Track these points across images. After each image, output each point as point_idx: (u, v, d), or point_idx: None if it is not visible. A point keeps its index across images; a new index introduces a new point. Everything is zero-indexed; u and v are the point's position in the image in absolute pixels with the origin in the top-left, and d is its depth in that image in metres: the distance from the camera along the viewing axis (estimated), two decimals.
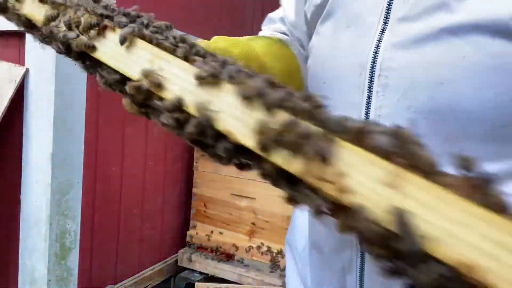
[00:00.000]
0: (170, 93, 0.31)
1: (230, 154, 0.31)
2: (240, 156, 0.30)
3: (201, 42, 0.47)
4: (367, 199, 0.22)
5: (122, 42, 0.36)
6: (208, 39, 0.57)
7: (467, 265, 0.19)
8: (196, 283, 1.49)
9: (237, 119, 0.28)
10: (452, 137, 0.41)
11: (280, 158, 0.25)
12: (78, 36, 0.39)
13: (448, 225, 0.20)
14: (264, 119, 0.26)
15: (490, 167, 0.31)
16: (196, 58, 0.32)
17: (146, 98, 0.33)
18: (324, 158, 0.23)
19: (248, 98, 0.27)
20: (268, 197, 1.64)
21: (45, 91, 1.18)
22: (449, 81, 0.40)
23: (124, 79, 0.36)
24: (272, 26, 0.63)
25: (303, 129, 0.24)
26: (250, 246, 1.68)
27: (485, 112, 0.39)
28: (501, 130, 0.40)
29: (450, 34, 0.40)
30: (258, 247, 1.66)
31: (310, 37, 0.54)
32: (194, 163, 1.80)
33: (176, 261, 1.81)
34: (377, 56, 0.43)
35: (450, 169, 0.21)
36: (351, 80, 0.44)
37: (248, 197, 1.69)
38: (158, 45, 0.34)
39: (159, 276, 1.76)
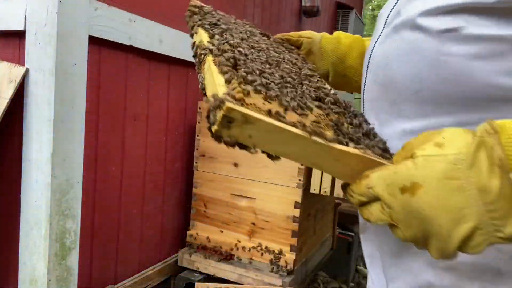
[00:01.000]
0: None
1: None
2: None
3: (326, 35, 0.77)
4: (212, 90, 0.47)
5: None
6: None
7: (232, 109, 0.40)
8: (196, 283, 1.49)
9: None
10: (394, 100, 0.60)
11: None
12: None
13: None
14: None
15: (421, 123, 0.55)
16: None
17: None
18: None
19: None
20: (268, 197, 1.64)
21: (45, 91, 1.18)
22: (391, 63, 0.59)
23: None
24: None
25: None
26: (250, 246, 1.68)
27: (409, 82, 0.57)
28: (420, 94, 0.56)
29: (394, 31, 0.59)
30: (258, 247, 1.66)
31: None
32: (194, 163, 1.80)
33: (176, 261, 1.81)
34: (373, 50, 0.65)
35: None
36: (365, 65, 0.68)
37: (248, 197, 1.69)
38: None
39: (159, 276, 1.76)
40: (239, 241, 1.71)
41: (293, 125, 0.42)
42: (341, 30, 4.11)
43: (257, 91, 0.46)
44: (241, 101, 0.42)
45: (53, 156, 1.19)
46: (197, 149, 1.79)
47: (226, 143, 0.44)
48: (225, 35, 0.63)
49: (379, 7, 14.89)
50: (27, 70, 1.20)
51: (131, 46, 1.46)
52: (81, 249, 1.36)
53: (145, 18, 1.50)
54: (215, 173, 1.75)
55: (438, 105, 0.55)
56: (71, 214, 1.28)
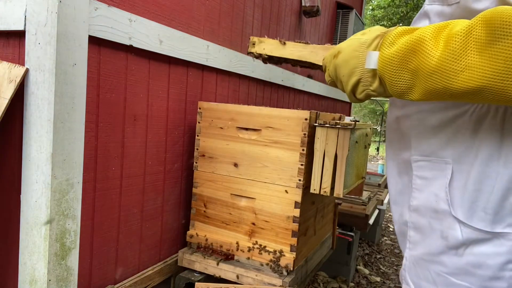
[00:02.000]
0: None
1: None
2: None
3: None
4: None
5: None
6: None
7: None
8: (196, 283, 1.49)
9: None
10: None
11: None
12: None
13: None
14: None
15: (409, 109, 0.87)
16: None
17: None
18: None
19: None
20: (268, 197, 1.64)
21: (45, 91, 1.18)
22: None
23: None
24: None
25: None
26: (250, 246, 1.68)
27: None
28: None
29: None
30: (258, 247, 1.66)
31: None
32: (194, 163, 1.80)
33: (176, 261, 1.81)
34: None
35: None
36: None
37: (248, 197, 1.69)
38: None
39: (159, 276, 1.76)
40: (239, 241, 1.71)
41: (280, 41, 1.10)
42: (341, 30, 4.11)
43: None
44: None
45: (53, 156, 1.19)
46: (197, 149, 1.79)
47: (254, 55, 1.16)
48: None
49: (379, 7, 14.89)
50: (27, 70, 1.20)
51: (131, 46, 1.46)
52: (81, 249, 1.36)
53: (145, 18, 1.51)
54: (215, 173, 1.75)
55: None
56: (71, 214, 1.28)
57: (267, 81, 2.62)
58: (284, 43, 1.08)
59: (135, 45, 1.47)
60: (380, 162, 9.52)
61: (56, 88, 1.18)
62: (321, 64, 0.96)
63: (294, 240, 1.61)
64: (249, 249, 1.68)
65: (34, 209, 1.23)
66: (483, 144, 0.71)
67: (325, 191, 1.52)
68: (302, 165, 1.57)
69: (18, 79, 1.19)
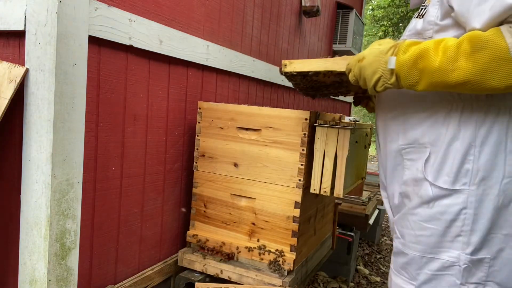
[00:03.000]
0: None
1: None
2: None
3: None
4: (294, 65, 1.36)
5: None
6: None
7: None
8: (196, 283, 1.49)
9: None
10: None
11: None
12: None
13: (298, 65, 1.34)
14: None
15: (398, 111, 1.18)
16: None
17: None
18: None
19: None
20: (268, 197, 1.64)
21: (45, 91, 1.18)
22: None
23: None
24: None
25: None
26: (250, 246, 1.68)
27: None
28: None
29: None
30: (258, 247, 1.66)
31: None
32: (194, 163, 1.80)
33: (176, 261, 1.81)
34: None
35: None
36: None
37: (248, 197, 1.69)
38: None
39: (159, 276, 1.76)
40: (239, 241, 1.71)
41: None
42: (341, 30, 4.11)
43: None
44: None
45: (53, 156, 1.19)
46: (197, 149, 1.79)
47: (287, 75, 1.38)
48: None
49: (379, 7, 14.89)
50: (27, 70, 1.20)
51: (131, 46, 1.46)
52: (81, 249, 1.36)
53: (145, 18, 1.51)
54: (215, 173, 1.75)
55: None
56: (71, 214, 1.28)
57: (267, 81, 2.63)
58: (309, 60, 1.33)
59: (135, 45, 1.47)
60: None
61: (56, 88, 1.18)
62: (343, 70, 1.21)
63: (294, 240, 1.61)
64: (249, 249, 1.68)
65: (34, 209, 1.23)
66: (448, 132, 1.05)
67: (325, 191, 1.52)
68: (302, 165, 1.57)
69: (18, 79, 1.19)
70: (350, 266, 2.77)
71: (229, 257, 1.72)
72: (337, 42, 4.14)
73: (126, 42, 1.43)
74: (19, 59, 1.26)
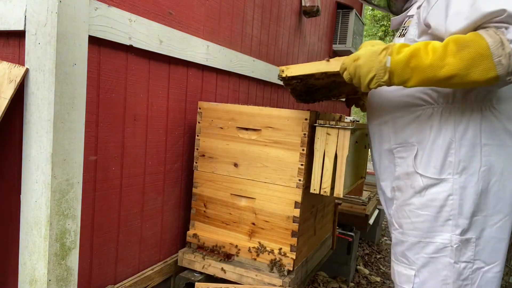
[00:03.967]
0: None
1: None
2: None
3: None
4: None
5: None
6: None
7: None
8: (196, 283, 1.49)
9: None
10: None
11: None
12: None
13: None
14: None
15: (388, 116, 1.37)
16: None
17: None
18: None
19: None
20: (268, 197, 1.64)
21: (45, 91, 1.18)
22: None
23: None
24: None
25: None
26: (250, 246, 1.68)
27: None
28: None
29: None
30: (258, 247, 1.66)
31: None
32: (194, 163, 1.80)
33: (176, 261, 1.81)
34: None
35: None
36: None
37: (248, 197, 1.69)
38: None
39: (159, 276, 1.76)
40: (239, 241, 1.71)
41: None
42: (341, 30, 4.12)
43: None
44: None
45: (53, 156, 1.19)
46: (197, 149, 1.79)
47: (285, 80, 1.48)
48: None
49: (379, 7, 14.88)
50: (27, 70, 1.20)
51: (131, 46, 1.46)
52: (81, 249, 1.36)
53: (145, 18, 1.51)
54: (215, 173, 1.75)
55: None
56: (71, 214, 1.28)
57: (267, 81, 2.63)
58: (304, 64, 1.41)
59: (135, 45, 1.47)
60: None
61: (56, 88, 1.18)
62: (337, 70, 1.30)
63: (294, 240, 1.61)
64: (249, 249, 1.68)
65: (34, 209, 1.23)
66: (432, 131, 1.22)
67: (325, 191, 1.52)
68: (302, 165, 1.57)
69: (18, 79, 1.19)
70: (350, 266, 2.77)
71: (229, 257, 1.72)
72: (337, 42, 4.14)
73: (126, 42, 1.43)
74: (19, 59, 1.26)
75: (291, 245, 1.62)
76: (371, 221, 2.88)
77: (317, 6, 3.05)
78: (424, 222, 1.24)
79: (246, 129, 1.68)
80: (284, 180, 1.61)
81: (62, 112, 1.20)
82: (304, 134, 1.55)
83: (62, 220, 1.25)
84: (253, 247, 1.67)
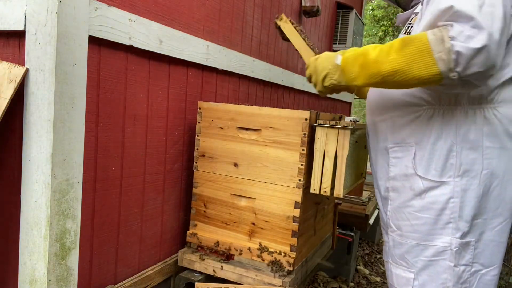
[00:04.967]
0: None
1: None
2: None
3: None
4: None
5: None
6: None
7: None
8: (196, 283, 1.49)
9: None
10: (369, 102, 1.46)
11: None
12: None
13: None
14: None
15: (381, 117, 1.37)
16: None
17: None
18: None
19: None
20: (268, 197, 1.64)
21: (45, 91, 1.18)
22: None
23: None
24: None
25: None
26: (250, 246, 1.68)
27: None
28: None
29: None
30: (258, 247, 1.66)
31: None
32: (194, 163, 1.80)
33: (176, 261, 1.81)
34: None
35: None
36: None
37: (248, 197, 1.69)
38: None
39: (159, 276, 1.76)
40: (239, 241, 1.71)
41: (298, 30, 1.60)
42: (341, 30, 4.11)
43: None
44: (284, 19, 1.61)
45: (53, 156, 1.19)
46: (197, 149, 1.79)
47: (276, 26, 1.66)
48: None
49: (379, 7, 14.89)
50: (27, 70, 1.20)
51: (131, 46, 1.46)
52: (81, 249, 1.36)
53: (145, 18, 1.51)
54: (215, 173, 1.75)
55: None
56: (71, 214, 1.28)
57: (267, 81, 2.62)
58: (297, 35, 1.58)
59: (135, 45, 1.47)
60: None
61: (56, 88, 1.18)
62: (306, 63, 1.41)
63: (294, 240, 1.61)
64: (249, 249, 1.68)
65: (34, 209, 1.23)
66: (433, 133, 1.20)
67: (325, 191, 1.52)
68: (302, 165, 1.57)
69: (18, 79, 1.19)
70: (350, 266, 2.77)
71: (229, 257, 1.72)
72: (337, 42, 4.14)
73: (126, 42, 1.43)
74: (19, 59, 1.26)
75: (291, 245, 1.62)
76: (371, 221, 2.88)
77: (317, 6, 3.05)
78: (424, 224, 1.22)
79: (246, 129, 1.68)
80: (284, 180, 1.61)
81: (62, 112, 1.20)
82: (304, 134, 1.55)
83: (62, 220, 1.25)
84: (253, 247, 1.67)
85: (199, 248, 1.79)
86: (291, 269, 1.61)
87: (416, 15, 1.35)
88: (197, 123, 1.78)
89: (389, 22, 14.63)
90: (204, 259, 1.72)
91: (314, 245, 1.93)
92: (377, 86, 1.21)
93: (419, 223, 1.23)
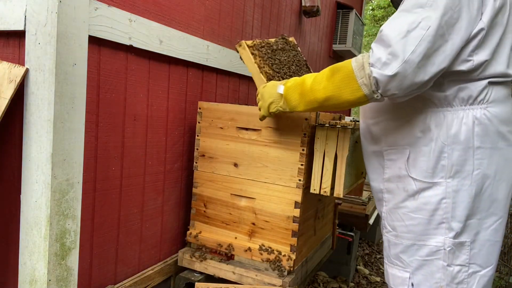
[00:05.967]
0: None
1: None
2: None
3: None
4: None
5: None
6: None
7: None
8: (196, 283, 1.49)
9: None
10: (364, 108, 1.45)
11: None
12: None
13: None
14: None
15: (374, 120, 1.39)
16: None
17: None
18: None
19: None
20: (268, 197, 1.64)
21: (45, 91, 1.18)
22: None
23: None
24: None
25: None
26: (250, 246, 1.68)
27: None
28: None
29: None
30: (258, 247, 1.66)
31: None
32: (194, 163, 1.80)
33: (176, 261, 1.81)
34: None
35: None
36: None
37: (248, 197, 1.69)
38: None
39: (159, 276, 1.76)
40: (239, 241, 1.71)
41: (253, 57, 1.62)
42: (341, 30, 4.11)
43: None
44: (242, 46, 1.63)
45: (53, 156, 1.19)
46: (197, 149, 1.79)
47: (241, 55, 1.65)
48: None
49: (379, 7, 14.89)
50: (27, 70, 1.20)
51: (131, 46, 1.46)
52: (81, 249, 1.36)
53: (145, 18, 1.51)
54: (215, 173, 1.75)
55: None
56: (71, 214, 1.28)
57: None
58: (252, 61, 1.61)
59: (135, 45, 1.47)
60: None
61: (56, 88, 1.18)
62: (258, 89, 1.53)
63: (294, 240, 1.61)
64: (249, 249, 1.68)
65: (34, 209, 1.23)
66: (424, 135, 1.22)
67: (325, 191, 1.52)
68: (302, 165, 1.57)
69: (18, 79, 1.19)
70: (350, 266, 2.77)
71: (229, 257, 1.72)
72: (337, 42, 4.14)
73: (126, 42, 1.43)
74: (19, 59, 1.26)
75: (291, 245, 1.62)
76: (371, 221, 2.88)
77: (317, 6, 3.05)
78: (417, 225, 1.25)
79: (246, 129, 1.68)
80: (284, 180, 1.61)
81: (62, 112, 1.20)
82: (304, 134, 1.55)
83: (62, 220, 1.25)
84: (253, 247, 1.67)
85: (199, 248, 1.79)
86: (291, 269, 1.61)
87: None
88: (197, 123, 1.78)
89: None
90: (204, 259, 1.72)
91: (314, 245, 1.93)
92: (318, 110, 1.32)
93: (413, 224, 1.25)
